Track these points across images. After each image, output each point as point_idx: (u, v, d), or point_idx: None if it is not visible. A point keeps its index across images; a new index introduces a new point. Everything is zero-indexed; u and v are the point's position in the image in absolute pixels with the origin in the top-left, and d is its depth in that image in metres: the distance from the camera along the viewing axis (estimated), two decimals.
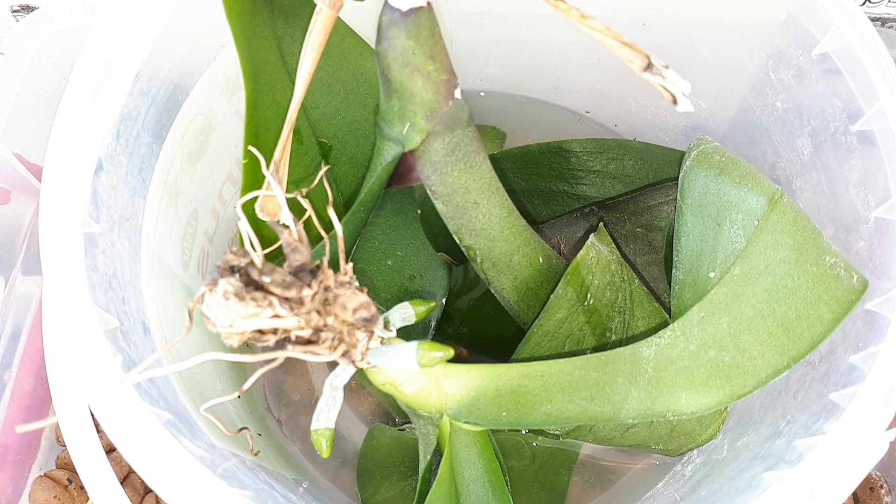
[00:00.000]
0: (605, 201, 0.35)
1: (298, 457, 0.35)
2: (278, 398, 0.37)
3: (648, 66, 0.21)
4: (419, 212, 0.29)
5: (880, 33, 0.41)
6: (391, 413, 0.36)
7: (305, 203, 0.24)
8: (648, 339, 0.24)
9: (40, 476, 0.36)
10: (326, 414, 0.23)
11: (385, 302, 0.31)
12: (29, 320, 0.39)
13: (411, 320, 0.26)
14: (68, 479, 0.36)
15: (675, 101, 0.22)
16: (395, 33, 0.23)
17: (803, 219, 0.25)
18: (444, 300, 0.31)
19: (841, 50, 0.26)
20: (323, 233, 0.24)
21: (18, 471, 0.37)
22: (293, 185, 0.29)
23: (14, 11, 0.41)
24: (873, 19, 0.41)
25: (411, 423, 0.34)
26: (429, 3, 0.23)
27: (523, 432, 0.33)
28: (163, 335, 0.26)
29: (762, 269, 0.24)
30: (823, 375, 0.24)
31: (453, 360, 0.24)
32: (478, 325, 0.37)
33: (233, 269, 0.20)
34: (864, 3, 0.41)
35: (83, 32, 0.39)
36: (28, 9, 0.41)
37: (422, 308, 0.26)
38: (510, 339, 0.31)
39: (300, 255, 0.21)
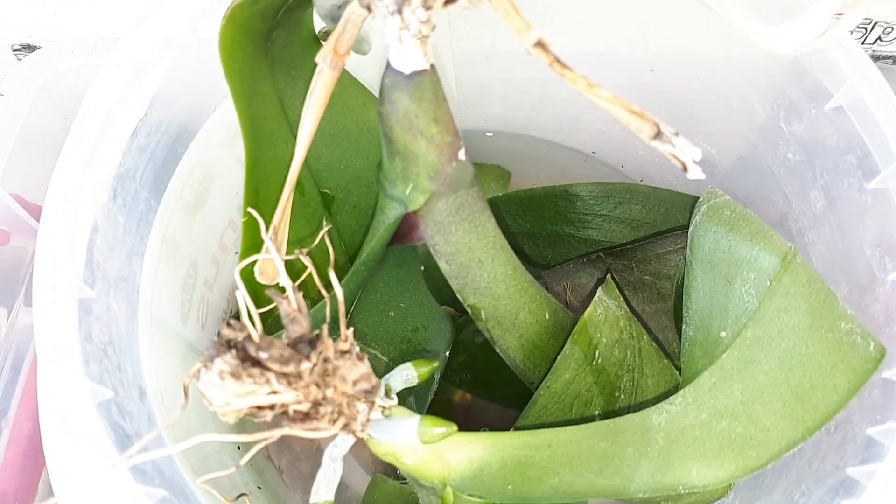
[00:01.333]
0: (613, 248, 0.34)
1: None
2: (279, 446, 0.36)
3: (658, 135, 0.21)
4: (422, 268, 0.29)
5: (891, 71, 0.41)
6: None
7: (307, 261, 0.23)
8: (658, 405, 0.24)
9: None
10: (325, 486, 0.22)
11: (388, 354, 0.31)
12: (30, 356, 0.38)
13: (413, 382, 0.25)
14: None
15: (685, 169, 0.21)
16: (398, 96, 0.22)
17: (818, 281, 0.24)
18: (447, 353, 0.31)
19: (855, 105, 0.25)
20: (324, 291, 0.24)
21: None
22: (295, 240, 0.28)
23: (15, 50, 0.41)
24: (884, 57, 0.41)
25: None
26: (432, 66, 0.22)
27: None
28: (161, 398, 0.25)
29: (775, 333, 0.23)
30: (839, 446, 0.23)
31: (456, 407, 0.23)
32: (484, 370, 0.36)
33: (229, 344, 0.20)
34: (875, 42, 0.40)
35: (84, 72, 0.39)
36: (30, 48, 0.41)
37: (424, 369, 0.25)
38: (516, 386, 0.30)
39: (299, 325, 0.21)
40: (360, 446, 0.38)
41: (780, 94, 0.29)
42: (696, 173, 0.21)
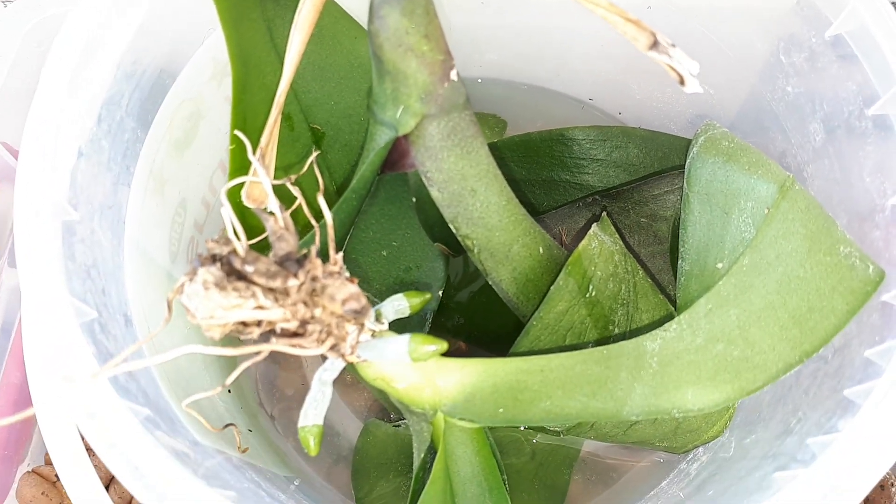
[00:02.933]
0: (609, 190, 0.34)
1: (291, 454, 0.34)
2: (271, 393, 0.36)
3: (654, 45, 0.20)
4: (414, 200, 0.28)
5: None
6: (387, 409, 0.35)
7: (295, 190, 0.23)
8: (653, 332, 0.23)
9: (28, 472, 0.35)
10: (314, 410, 0.22)
11: (380, 294, 0.30)
12: (15, 313, 0.38)
13: (405, 313, 0.25)
14: (56, 476, 0.35)
15: (682, 82, 0.20)
16: (388, 11, 0.21)
17: (816, 207, 0.24)
18: (440, 292, 0.30)
19: (856, 32, 0.25)
20: (313, 221, 0.23)
21: (5, 467, 0.36)
22: (283, 172, 0.28)
23: None
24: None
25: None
26: None
27: (522, 429, 0.32)
28: (147, 328, 0.25)
29: (773, 259, 0.23)
30: (837, 370, 0.23)
31: (451, 355, 0.23)
32: (477, 319, 0.35)
33: (214, 258, 0.19)
34: None
35: None
36: None
37: (416, 300, 0.25)
38: (511, 333, 0.30)
39: (286, 243, 0.20)
40: (352, 394, 0.37)
41: (779, 26, 0.28)
42: (693, 86, 0.20)
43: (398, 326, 0.26)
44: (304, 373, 0.36)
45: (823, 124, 0.27)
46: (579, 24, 0.35)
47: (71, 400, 0.18)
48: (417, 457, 0.25)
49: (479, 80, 0.39)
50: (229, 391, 0.32)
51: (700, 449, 0.30)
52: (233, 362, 0.32)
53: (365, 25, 0.30)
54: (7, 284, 0.37)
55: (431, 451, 0.25)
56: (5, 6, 0.41)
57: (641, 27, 0.20)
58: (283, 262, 0.20)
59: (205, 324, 0.19)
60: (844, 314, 0.22)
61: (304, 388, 0.36)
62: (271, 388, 0.36)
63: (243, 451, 0.26)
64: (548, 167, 0.35)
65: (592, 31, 0.35)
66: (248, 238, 0.20)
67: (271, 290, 0.19)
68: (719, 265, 0.25)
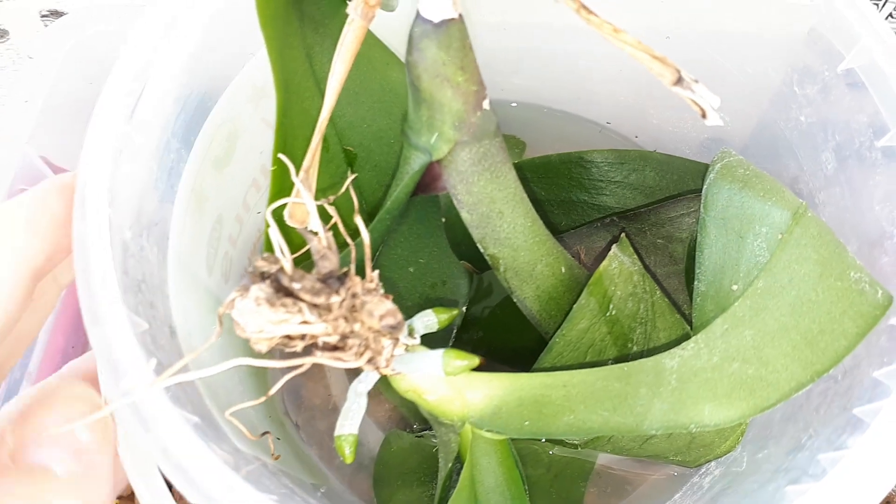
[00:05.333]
0: (626, 212, 0.35)
1: (315, 461, 0.35)
2: (296, 403, 0.37)
3: (679, 81, 0.21)
4: (443, 220, 0.30)
5: None
6: (408, 419, 0.36)
7: (332, 210, 0.24)
8: (671, 350, 0.24)
9: None
10: (350, 420, 0.23)
11: (407, 309, 0.31)
12: (50, 319, 0.39)
13: (434, 327, 0.26)
14: None
15: (704, 115, 0.22)
16: (427, 44, 0.23)
17: (828, 233, 0.25)
18: (464, 308, 0.31)
19: (867, 66, 0.26)
20: (349, 239, 0.24)
21: None
22: (319, 192, 0.29)
23: (43, 16, 0.42)
24: None
25: (429, 430, 0.35)
26: (460, 15, 0.23)
27: (542, 441, 0.33)
28: (188, 339, 0.26)
29: (786, 282, 0.24)
30: (847, 390, 0.24)
31: (473, 368, 0.24)
32: (495, 334, 0.37)
33: (263, 276, 0.21)
34: (887, 18, 0.41)
35: (110, 38, 0.40)
36: (56, 14, 0.42)
37: (444, 316, 0.26)
38: (527, 348, 0.31)
39: (329, 261, 0.22)
40: (374, 405, 0.39)
41: (794, 57, 0.30)
42: (714, 119, 0.21)
43: (425, 341, 0.27)
44: (328, 383, 0.37)
45: (835, 153, 0.28)
46: (598, 50, 0.37)
47: (128, 406, 0.20)
48: (444, 466, 0.26)
49: (514, 104, 0.41)
50: (265, 394, 0.33)
51: (713, 463, 0.31)
52: (264, 377, 0.34)
53: (396, 53, 0.31)
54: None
55: (458, 461, 0.26)
56: (46, 25, 0.42)
57: (667, 64, 0.21)
58: (325, 279, 0.21)
59: (254, 337, 0.20)
60: (854, 336, 0.23)
61: (328, 398, 0.37)
62: (297, 398, 0.37)
63: (276, 458, 0.28)
64: (567, 188, 0.36)
65: (611, 56, 0.37)
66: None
67: (315, 305, 0.21)
68: (734, 287, 0.26)
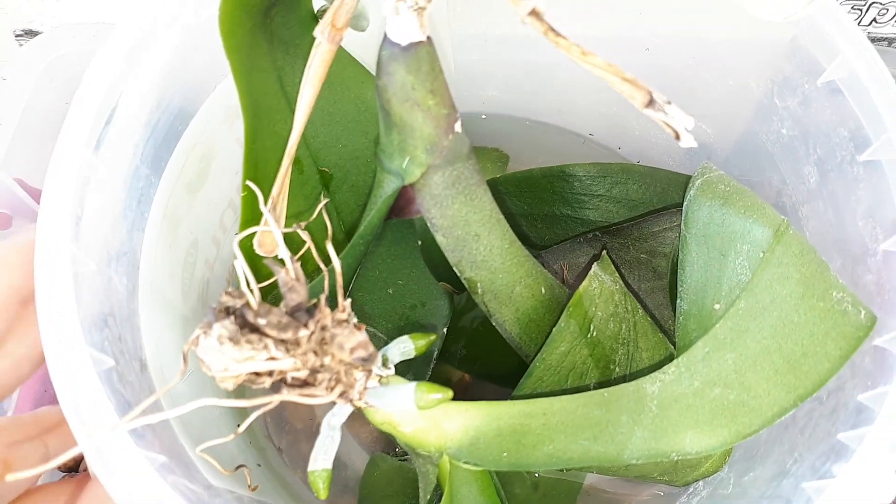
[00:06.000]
0: (609, 227, 0.34)
1: (298, 485, 0.35)
2: (279, 426, 0.36)
3: (650, 103, 0.21)
4: (420, 243, 0.29)
5: (886, 52, 0.41)
6: (393, 441, 0.35)
7: (305, 235, 0.24)
8: (653, 374, 0.24)
9: None
10: (324, 455, 0.22)
11: (387, 331, 0.31)
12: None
13: (411, 354, 0.25)
14: None
15: (677, 137, 0.21)
16: (395, 68, 0.22)
17: (810, 251, 0.24)
18: (444, 330, 0.31)
19: (847, 79, 0.26)
20: (322, 265, 0.24)
21: None
22: (294, 216, 0.29)
23: (17, 36, 0.41)
24: (880, 39, 0.41)
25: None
26: (428, 38, 0.22)
27: None
28: (161, 371, 0.25)
29: (768, 303, 0.24)
30: (832, 413, 0.24)
31: (454, 388, 0.24)
32: (481, 350, 0.36)
33: (228, 311, 0.20)
34: (871, 23, 0.40)
35: (85, 58, 0.39)
36: (31, 33, 0.41)
37: (422, 342, 0.26)
38: (514, 364, 0.31)
39: (297, 294, 0.21)
40: (358, 426, 0.38)
41: (774, 70, 0.29)
42: (688, 141, 0.21)
43: (404, 365, 0.27)
44: (312, 406, 0.37)
45: (817, 167, 0.28)
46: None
47: (88, 448, 0.19)
48: (423, 497, 0.25)
49: (484, 116, 0.40)
50: (236, 429, 0.32)
51: (700, 483, 0.30)
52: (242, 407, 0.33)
53: (372, 71, 0.31)
54: None
55: (437, 491, 0.25)
56: (21, 45, 0.42)
57: (638, 86, 0.21)
58: (293, 312, 0.21)
59: (219, 376, 0.20)
60: (837, 359, 0.22)
61: (312, 420, 0.37)
62: (280, 421, 0.36)
63: (253, 490, 0.27)
64: (549, 202, 0.36)
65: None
66: (259, 282, 0.21)
67: (283, 341, 0.20)
68: (716, 306, 0.26)
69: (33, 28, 0.41)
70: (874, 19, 0.40)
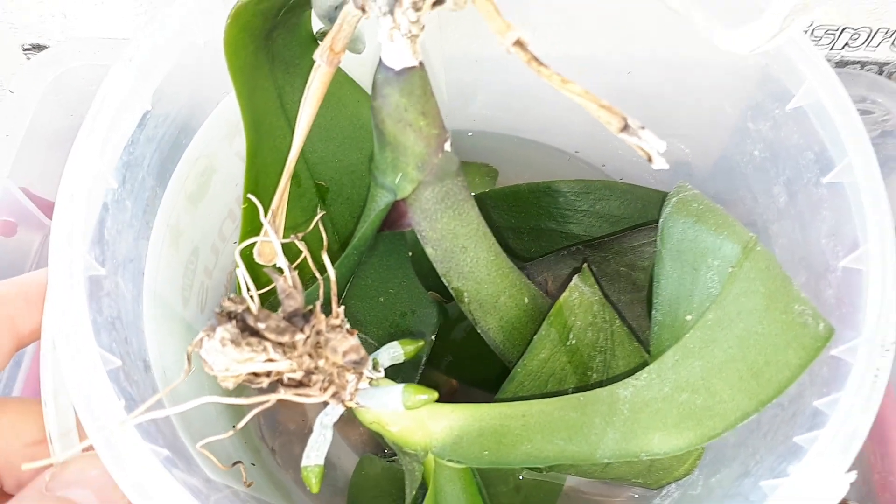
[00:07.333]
0: (592, 241, 0.36)
1: (290, 485, 0.36)
2: (273, 428, 0.38)
3: (625, 128, 0.22)
4: (410, 254, 0.31)
5: (859, 76, 0.43)
6: (382, 444, 0.37)
7: (302, 245, 0.25)
8: (626, 380, 0.25)
9: None
10: (316, 451, 0.24)
11: (378, 338, 0.33)
12: (31, 346, 0.40)
13: (400, 359, 0.27)
14: None
15: (650, 160, 0.23)
16: (389, 91, 0.24)
17: (775, 267, 0.26)
18: (433, 336, 0.32)
19: (813, 105, 0.27)
20: (317, 274, 0.25)
21: None
22: (291, 227, 0.30)
23: (25, 50, 0.43)
24: (853, 62, 0.43)
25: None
26: (421, 63, 0.24)
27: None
28: (163, 372, 0.27)
29: (735, 315, 0.25)
30: (791, 418, 0.25)
31: (442, 393, 0.25)
32: (468, 358, 0.38)
33: (230, 315, 0.22)
34: (843, 47, 0.42)
35: (90, 72, 0.41)
36: (38, 48, 0.43)
37: (411, 347, 0.27)
38: (498, 370, 0.32)
39: (294, 300, 0.23)
40: (348, 429, 0.39)
41: (747, 95, 0.31)
42: (660, 164, 0.23)
43: (394, 370, 0.28)
44: (304, 409, 0.38)
45: (786, 188, 0.29)
46: None
47: (98, 443, 0.21)
48: (409, 493, 0.27)
49: (470, 133, 0.42)
50: (233, 426, 0.34)
51: (673, 486, 0.32)
52: (240, 406, 0.34)
53: (367, 90, 0.32)
54: None
55: (422, 488, 0.27)
56: (28, 59, 0.43)
57: (613, 112, 0.22)
58: (290, 317, 0.22)
59: (220, 375, 0.21)
60: (797, 368, 0.24)
61: (304, 423, 0.38)
62: (273, 423, 0.38)
63: (249, 486, 0.28)
64: (535, 217, 0.38)
65: None
66: (258, 289, 0.22)
67: (280, 344, 0.22)
68: (688, 317, 0.27)
69: (40, 42, 0.43)
70: (847, 43, 0.42)
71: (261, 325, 0.21)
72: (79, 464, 0.22)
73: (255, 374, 0.22)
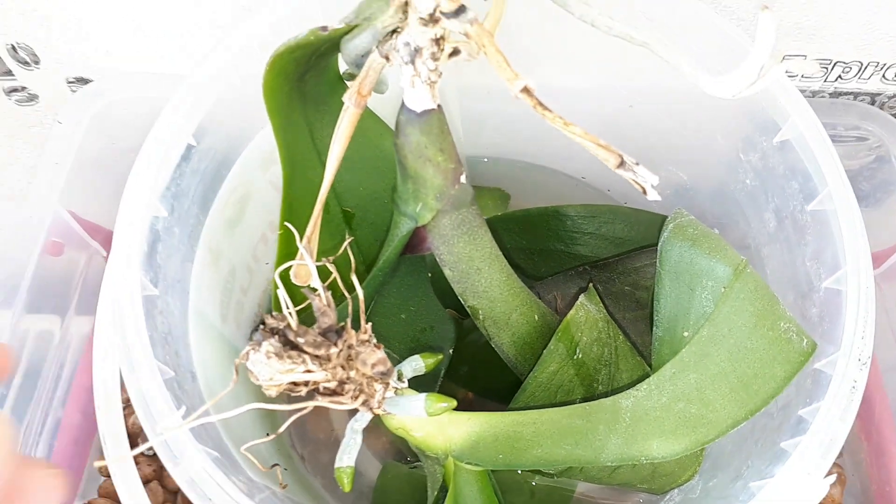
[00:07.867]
0: (597, 262, 0.39)
1: (319, 490, 0.39)
2: (302, 437, 0.40)
3: (621, 164, 0.25)
4: (430, 275, 0.33)
5: (852, 106, 0.45)
6: (403, 451, 0.39)
7: (332, 267, 0.28)
8: (627, 391, 0.28)
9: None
10: (348, 454, 0.27)
11: (399, 352, 0.35)
12: (77, 359, 0.43)
13: (421, 371, 0.30)
14: None
15: (644, 192, 0.26)
16: (411, 130, 0.27)
17: (763, 287, 0.29)
18: (451, 351, 0.35)
19: (797, 139, 0.30)
20: (346, 294, 0.28)
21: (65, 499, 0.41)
22: (321, 250, 0.33)
23: (69, 83, 0.46)
24: (845, 93, 0.45)
25: (421, 462, 0.38)
26: (439, 105, 0.27)
27: (520, 472, 0.36)
28: (208, 383, 0.30)
29: (726, 331, 0.28)
30: (779, 426, 0.28)
31: (459, 403, 0.28)
32: (483, 372, 0.40)
33: (273, 331, 0.24)
34: (836, 80, 0.45)
35: (131, 104, 0.44)
36: (83, 81, 0.46)
37: (431, 360, 0.30)
38: (510, 382, 0.35)
39: (328, 317, 0.25)
40: (373, 439, 0.42)
41: (738, 128, 0.33)
42: (653, 195, 0.25)
43: (415, 382, 0.31)
44: (331, 419, 0.41)
45: (775, 214, 0.32)
46: (573, 113, 0.41)
47: (159, 445, 0.23)
48: (431, 494, 0.30)
49: (486, 160, 0.45)
50: (267, 434, 0.36)
51: (675, 491, 0.34)
52: (274, 414, 0.37)
53: (388, 124, 0.35)
54: (74, 332, 0.42)
55: (443, 489, 0.29)
56: (73, 91, 0.46)
57: (610, 150, 0.25)
58: (325, 333, 0.25)
59: (265, 384, 0.24)
60: (783, 380, 0.26)
61: (331, 432, 0.41)
62: (302, 432, 0.40)
63: (284, 487, 0.31)
64: (544, 239, 0.40)
65: (582, 120, 0.41)
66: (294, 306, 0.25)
67: (317, 356, 0.24)
68: (685, 333, 0.30)
69: (84, 76, 0.46)
70: (839, 76, 0.44)
71: (300, 340, 0.24)
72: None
73: (295, 384, 0.25)
